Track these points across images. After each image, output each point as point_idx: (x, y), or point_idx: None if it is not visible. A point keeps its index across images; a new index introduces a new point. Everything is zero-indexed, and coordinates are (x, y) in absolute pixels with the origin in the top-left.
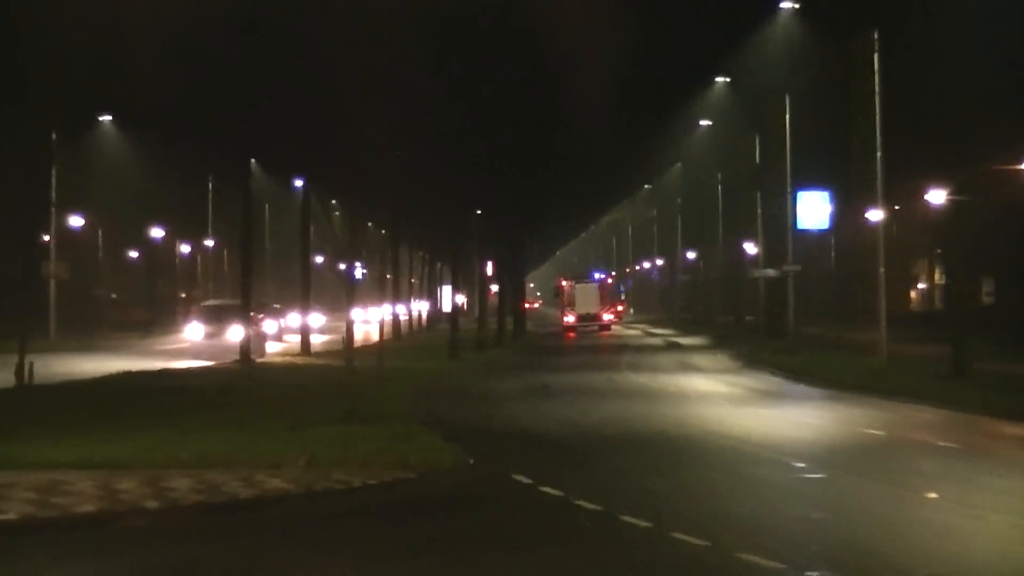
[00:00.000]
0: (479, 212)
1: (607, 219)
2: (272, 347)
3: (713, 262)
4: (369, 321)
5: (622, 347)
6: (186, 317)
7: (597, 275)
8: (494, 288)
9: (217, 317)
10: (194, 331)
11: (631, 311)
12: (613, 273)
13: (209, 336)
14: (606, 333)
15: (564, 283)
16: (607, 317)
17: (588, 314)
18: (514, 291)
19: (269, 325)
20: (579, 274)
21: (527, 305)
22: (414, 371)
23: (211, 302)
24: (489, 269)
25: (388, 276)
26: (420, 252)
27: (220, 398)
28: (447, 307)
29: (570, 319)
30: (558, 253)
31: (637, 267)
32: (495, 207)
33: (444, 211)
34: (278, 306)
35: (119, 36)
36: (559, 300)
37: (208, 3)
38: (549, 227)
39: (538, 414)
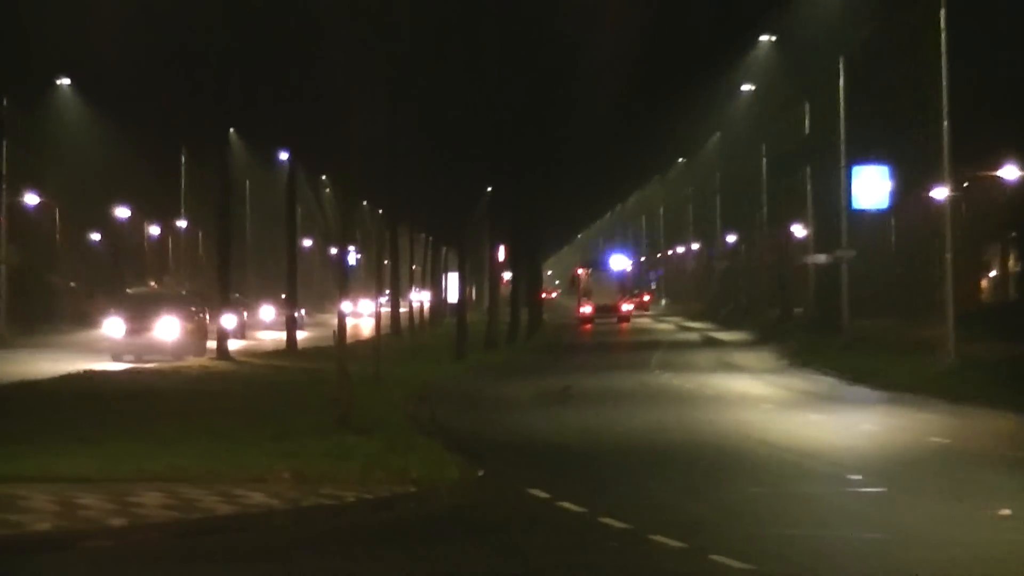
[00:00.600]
0: (489, 189)
1: (636, 196)
2: (231, 346)
3: (756, 247)
4: (360, 314)
5: (653, 344)
6: (105, 308)
7: (616, 262)
8: (507, 276)
9: (143, 309)
10: (114, 326)
11: (662, 302)
12: (643, 259)
13: (133, 333)
14: (626, 325)
15: (580, 271)
16: (626, 308)
17: (606, 305)
18: (530, 279)
19: (227, 319)
20: (597, 262)
21: (544, 295)
22: (415, 373)
23: (136, 290)
24: (501, 254)
25: (385, 262)
26: (422, 235)
27: (194, 402)
28: (453, 298)
29: (586, 310)
30: (580, 236)
31: (670, 252)
32: (508, 184)
33: (450, 188)
34: (238, 296)
35: None
36: (575, 289)
37: None
38: (569, 206)
39: (557, 422)
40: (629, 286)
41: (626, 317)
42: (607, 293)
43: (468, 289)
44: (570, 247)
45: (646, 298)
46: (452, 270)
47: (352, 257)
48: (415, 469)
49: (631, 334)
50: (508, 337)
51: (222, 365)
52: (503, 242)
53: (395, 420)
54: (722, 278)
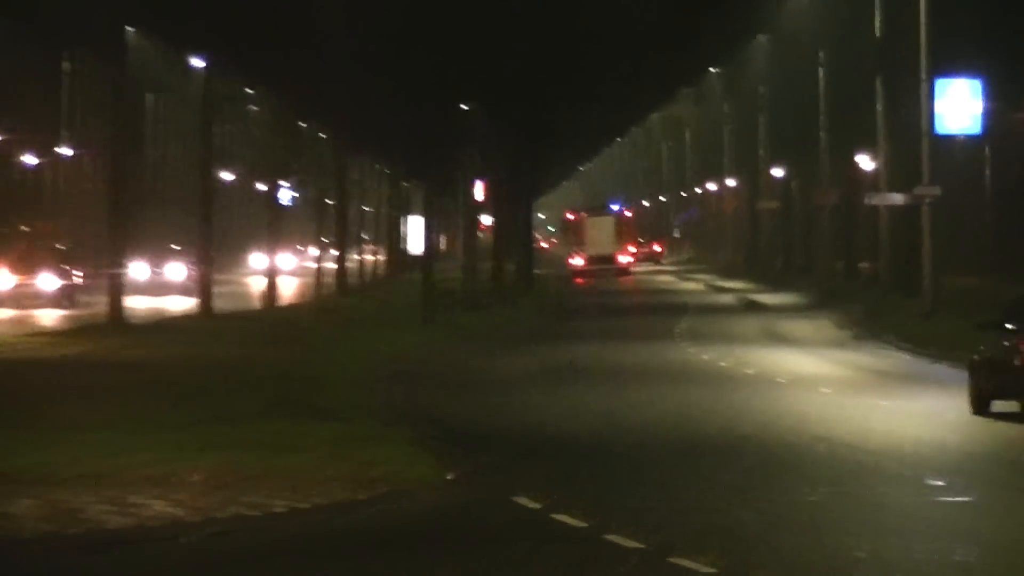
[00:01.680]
0: (466, 107)
1: (657, 117)
2: (48, 315)
3: (813, 183)
4: (279, 270)
5: (678, 308)
6: None
7: (615, 206)
8: (487, 220)
9: None
10: None
11: (687, 254)
12: (664, 199)
13: None
14: (627, 280)
15: (572, 216)
16: (624, 259)
17: (601, 255)
18: (522, 224)
19: (45, 280)
20: (593, 205)
21: (543, 243)
22: (372, 343)
23: None
24: (480, 192)
25: (330, 202)
26: (378, 165)
27: (96, 378)
28: (418, 246)
29: (578, 261)
30: (583, 168)
31: (699, 190)
32: (492, 98)
33: (415, 105)
34: (63, 247)
35: None
36: (567, 237)
37: None
38: (571, 130)
39: (558, 407)
40: (630, 233)
41: (625, 270)
42: (603, 241)
43: (437, 236)
44: (570, 183)
45: (657, 248)
46: (417, 212)
47: (287, 194)
48: (373, 468)
49: (649, 294)
50: (493, 297)
51: (116, 342)
52: (484, 176)
53: (347, 405)
54: (768, 223)
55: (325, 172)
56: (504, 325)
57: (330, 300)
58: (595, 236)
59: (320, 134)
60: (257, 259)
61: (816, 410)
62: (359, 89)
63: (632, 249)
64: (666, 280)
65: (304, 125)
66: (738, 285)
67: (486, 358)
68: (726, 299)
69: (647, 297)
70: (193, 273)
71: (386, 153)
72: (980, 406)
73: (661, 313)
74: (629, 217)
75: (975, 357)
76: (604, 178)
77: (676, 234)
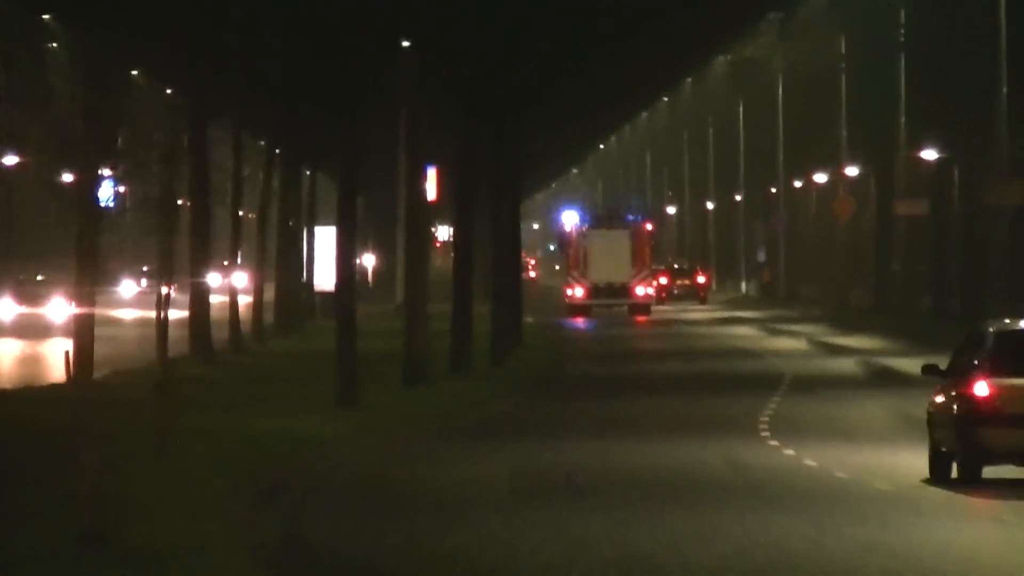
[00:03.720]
0: (407, 43)
1: (722, 62)
2: None
3: (985, 173)
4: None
5: (765, 378)
6: None
7: (631, 216)
8: (443, 234)
9: None
10: None
11: (766, 283)
12: (738, 198)
13: None
14: (644, 319)
15: (571, 230)
16: (642, 291)
17: (610, 285)
18: (500, 237)
19: None
20: (599, 213)
21: (530, 272)
22: (255, 433)
23: None
24: (431, 187)
25: (183, 202)
26: (262, 142)
27: None
28: (327, 278)
29: (578, 292)
30: (603, 147)
31: (798, 183)
32: (452, 28)
33: (325, 42)
34: None
35: None
36: (563, 259)
37: None
38: (585, 77)
39: (560, 546)
40: (647, 254)
41: (643, 307)
42: (613, 265)
43: (361, 260)
44: (584, 169)
45: (701, 279)
46: (326, 221)
47: (108, 189)
48: None
49: (714, 357)
50: (452, 359)
51: None
52: (436, 161)
53: (206, 536)
54: (911, 238)
55: (173, 153)
56: (467, 408)
57: (182, 367)
58: (603, 256)
59: (167, 90)
60: (6, 306)
61: (992, 550)
62: (231, 15)
63: (663, 280)
64: (742, 334)
65: (135, 73)
66: (863, 342)
67: (432, 461)
68: (842, 364)
69: (710, 361)
70: None
71: (277, 124)
72: (937, 471)
73: (735, 384)
74: (650, 231)
75: (929, 408)
76: (637, 160)
77: (760, 257)
